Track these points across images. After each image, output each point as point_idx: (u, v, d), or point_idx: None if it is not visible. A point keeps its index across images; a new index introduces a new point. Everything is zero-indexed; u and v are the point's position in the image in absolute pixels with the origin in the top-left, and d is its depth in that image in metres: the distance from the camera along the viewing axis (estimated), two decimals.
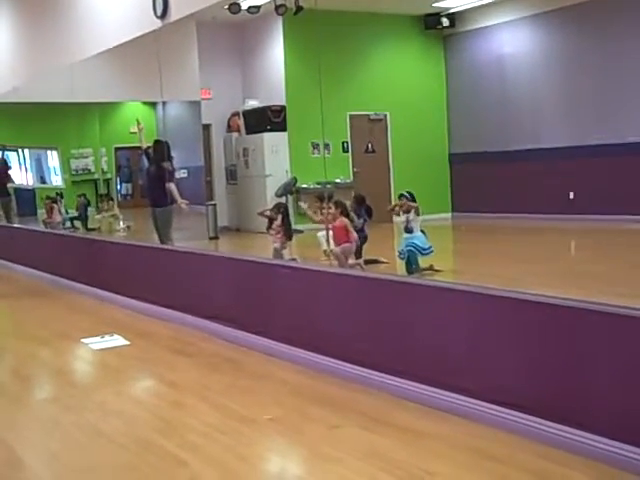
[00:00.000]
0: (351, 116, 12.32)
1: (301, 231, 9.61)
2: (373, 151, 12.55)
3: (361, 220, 7.56)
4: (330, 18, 10.15)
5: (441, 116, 13.14)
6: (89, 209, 12.16)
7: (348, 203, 7.47)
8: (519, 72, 12.32)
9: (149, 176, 9.36)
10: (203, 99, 10.58)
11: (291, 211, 9.76)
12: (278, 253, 7.34)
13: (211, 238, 10.38)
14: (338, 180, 11.42)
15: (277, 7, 8.79)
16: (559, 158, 11.36)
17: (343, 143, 12.13)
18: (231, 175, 12.81)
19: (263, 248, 8.19)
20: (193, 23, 8.76)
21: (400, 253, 7.24)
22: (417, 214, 7.26)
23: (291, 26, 11.36)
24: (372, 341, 5.07)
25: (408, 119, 12.61)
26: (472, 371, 4.36)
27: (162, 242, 8.65)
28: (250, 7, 9.01)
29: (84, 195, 12.32)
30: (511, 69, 12.43)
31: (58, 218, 12.50)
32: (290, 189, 9.96)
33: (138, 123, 9.60)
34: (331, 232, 7.20)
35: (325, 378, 5.25)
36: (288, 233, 7.65)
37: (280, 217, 7.67)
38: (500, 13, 12.09)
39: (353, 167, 12.07)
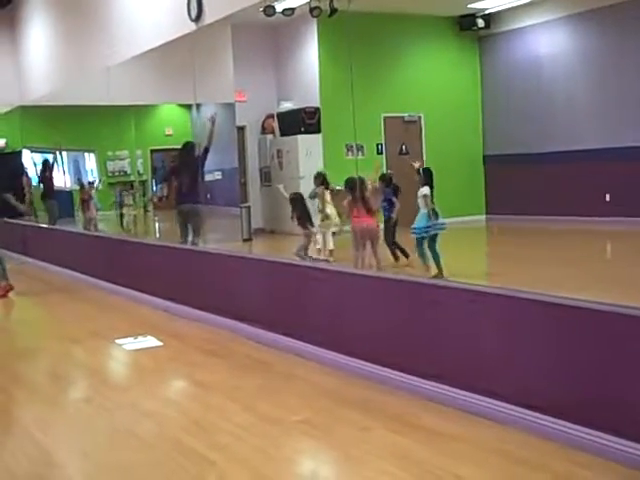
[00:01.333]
0: (385, 118, 12.28)
1: (334, 232, 9.59)
2: (407, 153, 12.48)
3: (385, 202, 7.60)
4: (364, 20, 10.12)
5: (476, 118, 13.05)
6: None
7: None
8: (555, 73, 12.19)
9: None
10: (238, 101, 10.60)
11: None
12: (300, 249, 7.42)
13: (245, 240, 10.40)
14: None
15: (312, 9, 8.78)
16: (595, 160, 11.23)
17: (377, 145, 12.08)
18: (265, 177, 12.84)
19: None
20: (228, 26, 8.78)
21: None
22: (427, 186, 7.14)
23: (325, 28, 11.34)
24: (402, 344, 5.06)
25: (443, 121, 12.53)
26: (503, 374, 4.33)
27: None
28: (285, 9, 9.01)
29: (121, 183, 12.57)
30: (547, 70, 12.30)
31: (94, 212, 12.74)
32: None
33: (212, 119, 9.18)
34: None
35: (355, 380, 5.25)
36: (303, 222, 7.66)
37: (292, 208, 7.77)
38: (536, 14, 11.98)
39: (387, 169, 12.03)
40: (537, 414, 4.03)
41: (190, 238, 8.92)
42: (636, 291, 5.75)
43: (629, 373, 3.68)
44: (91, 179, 13.60)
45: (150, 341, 6.90)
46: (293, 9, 9.13)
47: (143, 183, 12.61)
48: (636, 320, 3.64)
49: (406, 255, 7.67)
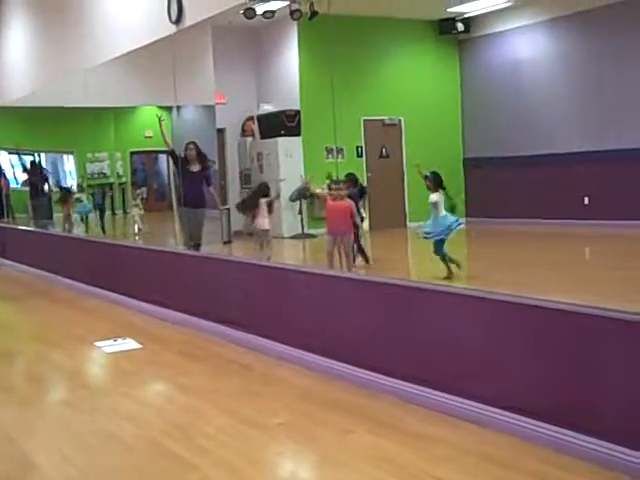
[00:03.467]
0: (365, 121, 12.30)
1: (314, 236, 9.61)
2: (387, 156, 12.52)
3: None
4: (345, 23, 10.14)
5: (456, 121, 13.09)
6: None
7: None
8: (534, 77, 12.26)
9: None
10: (217, 103, 10.58)
11: (305, 214, 9.83)
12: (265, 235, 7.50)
13: (225, 242, 10.39)
14: None
15: (292, 12, 8.79)
16: (574, 163, 11.30)
17: (357, 148, 12.10)
18: (245, 179, 12.81)
19: (276, 253, 8.20)
20: (208, 28, 8.78)
21: None
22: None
23: (306, 31, 11.35)
24: (383, 346, 5.06)
25: (423, 124, 12.57)
26: (483, 377, 4.35)
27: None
28: (265, 12, 8.99)
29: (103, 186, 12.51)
30: (526, 74, 12.37)
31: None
32: (304, 194, 9.96)
33: (160, 119, 9.32)
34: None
35: (336, 383, 5.25)
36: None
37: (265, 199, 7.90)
38: (515, 18, 12.04)
39: (367, 172, 12.06)
40: (518, 416, 4.05)
41: (195, 240, 8.90)
42: (615, 294, 5.79)
43: (608, 375, 3.70)
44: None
45: (130, 344, 6.86)
46: (274, 12, 9.12)
47: (123, 185, 12.56)
48: (616, 322, 3.67)
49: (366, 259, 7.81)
